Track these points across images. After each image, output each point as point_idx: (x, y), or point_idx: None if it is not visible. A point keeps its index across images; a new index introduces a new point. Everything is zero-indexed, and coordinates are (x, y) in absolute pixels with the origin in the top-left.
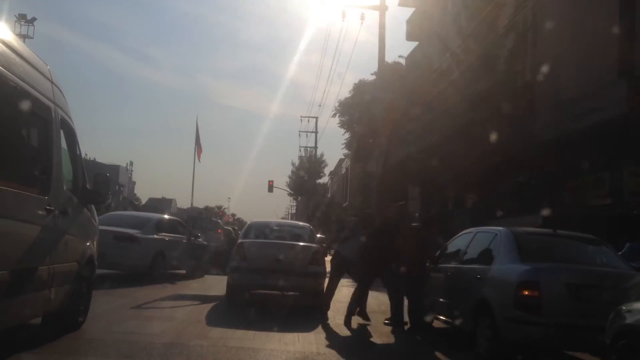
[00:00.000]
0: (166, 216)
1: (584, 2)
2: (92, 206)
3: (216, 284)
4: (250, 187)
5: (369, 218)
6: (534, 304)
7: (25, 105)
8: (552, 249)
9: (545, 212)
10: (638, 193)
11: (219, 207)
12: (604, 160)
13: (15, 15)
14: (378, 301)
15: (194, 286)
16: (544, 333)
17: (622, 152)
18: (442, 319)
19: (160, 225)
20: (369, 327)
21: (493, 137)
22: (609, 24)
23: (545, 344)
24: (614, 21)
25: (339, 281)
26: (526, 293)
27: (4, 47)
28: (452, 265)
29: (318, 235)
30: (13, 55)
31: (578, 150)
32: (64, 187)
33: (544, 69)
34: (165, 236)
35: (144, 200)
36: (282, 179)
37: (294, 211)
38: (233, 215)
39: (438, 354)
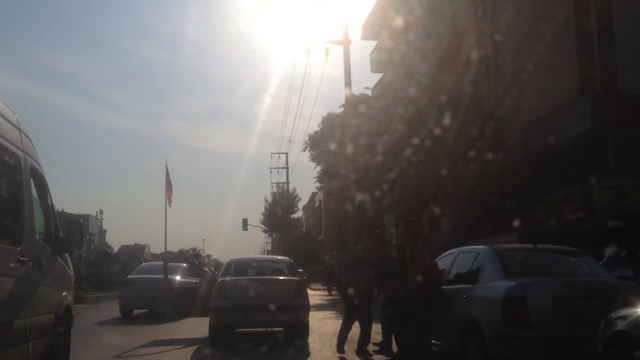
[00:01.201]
0: (185, 264)
1: (543, 26)
2: (67, 255)
3: (197, 326)
4: (224, 227)
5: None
6: (522, 320)
7: None
8: (535, 263)
9: (522, 229)
10: (608, 204)
11: (194, 249)
12: (573, 175)
13: None
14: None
15: (174, 329)
16: (535, 348)
17: (590, 166)
18: (432, 342)
19: (185, 271)
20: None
21: (465, 161)
22: (569, 45)
23: (537, 359)
24: (572, 42)
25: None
26: (514, 309)
27: None
28: None
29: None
30: None
31: (548, 168)
32: (37, 237)
33: (509, 91)
34: (192, 279)
35: (116, 248)
36: (256, 216)
37: (269, 248)
38: (208, 256)
39: None
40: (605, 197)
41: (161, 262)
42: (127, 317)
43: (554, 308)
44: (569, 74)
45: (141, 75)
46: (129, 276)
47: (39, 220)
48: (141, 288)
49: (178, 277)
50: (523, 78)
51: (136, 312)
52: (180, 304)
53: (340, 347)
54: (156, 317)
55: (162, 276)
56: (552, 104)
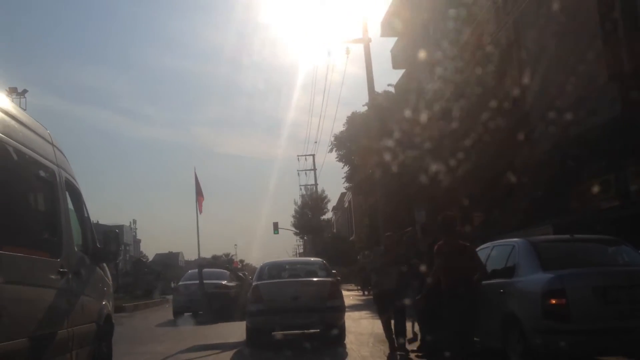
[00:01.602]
0: (226, 271)
1: (563, 10)
2: (105, 265)
3: (233, 331)
4: (255, 231)
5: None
6: (562, 312)
7: (29, 169)
8: (572, 254)
9: (556, 220)
10: None
11: (227, 255)
12: (606, 162)
13: (5, 89)
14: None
15: (212, 334)
16: (577, 340)
17: (622, 153)
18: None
19: (229, 277)
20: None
21: (493, 154)
22: (592, 28)
23: (579, 352)
24: (595, 25)
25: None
26: (553, 302)
27: (3, 115)
28: None
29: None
30: (12, 122)
31: (579, 156)
32: (75, 248)
33: (533, 80)
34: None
35: (150, 257)
36: (286, 219)
37: (301, 250)
38: (241, 261)
39: None
40: None
41: (210, 269)
42: (166, 324)
43: (594, 299)
44: (595, 57)
45: (166, 86)
46: (180, 282)
47: (76, 232)
48: (192, 292)
49: (225, 282)
50: (547, 65)
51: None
52: (231, 308)
53: (392, 343)
54: (196, 321)
55: (210, 281)
56: (579, 89)
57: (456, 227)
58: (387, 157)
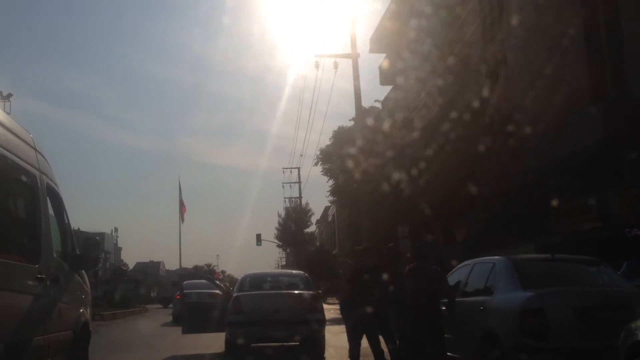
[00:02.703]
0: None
1: (551, 31)
2: (84, 272)
3: (213, 342)
4: (238, 242)
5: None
6: (540, 331)
7: (9, 173)
8: (552, 273)
9: (537, 240)
10: (627, 213)
11: (208, 265)
12: (588, 184)
13: None
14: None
15: (191, 345)
16: (554, 359)
17: (605, 175)
18: (449, 355)
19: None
20: None
21: (478, 171)
22: (578, 53)
23: None
24: (582, 50)
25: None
26: (532, 320)
27: None
28: None
29: None
30: None
31: (562, 177)
32: (54, 254)
33: (519, 100)
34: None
35: (131, 266)
36: (269, 231)
37: (284, 262)
38: (223, 272)
39: None
40: (623, 205)
41: (202, 280)
42: (144, 333)
43: (572, 319)
44: (580, 82)
45: (152, 94)
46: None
47: (55, 238)
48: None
49: (217, 291)
50: (533, 85)
51: (154, 328)
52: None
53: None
54: (176, 332)
55: (208, 291)
56: (564, 110)
57: (431, 253)
58: (371, 172)
